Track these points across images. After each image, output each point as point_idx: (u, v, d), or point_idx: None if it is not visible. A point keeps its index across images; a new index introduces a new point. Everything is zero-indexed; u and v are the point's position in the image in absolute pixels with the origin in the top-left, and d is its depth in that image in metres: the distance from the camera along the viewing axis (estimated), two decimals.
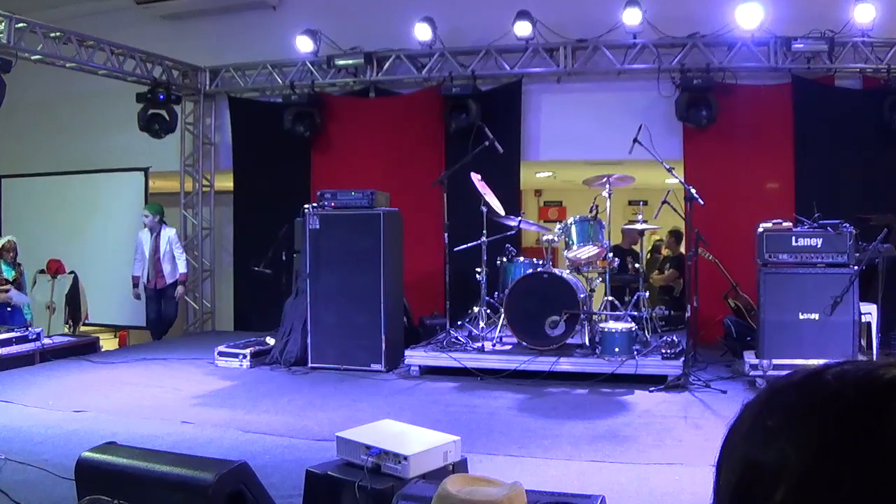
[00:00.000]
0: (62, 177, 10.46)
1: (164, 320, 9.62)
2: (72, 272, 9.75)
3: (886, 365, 0.57)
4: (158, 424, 5.42)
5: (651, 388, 6.24)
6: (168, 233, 9.35)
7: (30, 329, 8.00)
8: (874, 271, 6.45)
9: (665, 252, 10.02)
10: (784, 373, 0.62)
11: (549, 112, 9.18)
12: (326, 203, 7.56)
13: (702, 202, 6.82)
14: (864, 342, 6.46)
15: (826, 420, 0.55)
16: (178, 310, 9.94)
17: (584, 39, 8.73)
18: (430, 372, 7.05)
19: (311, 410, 5.87)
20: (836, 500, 0.52)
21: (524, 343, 6.85)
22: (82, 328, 9.81)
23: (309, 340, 7.50)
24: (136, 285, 9.46)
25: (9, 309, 8.64)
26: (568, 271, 7.10)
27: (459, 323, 7.60)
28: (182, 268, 9.46)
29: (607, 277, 7.27)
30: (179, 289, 9.53)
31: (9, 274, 8.67)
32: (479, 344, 7.12)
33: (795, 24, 7.95)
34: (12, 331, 7.93)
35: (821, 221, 6.30)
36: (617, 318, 6.92)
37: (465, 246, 7.55)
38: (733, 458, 0.59)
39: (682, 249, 9.00)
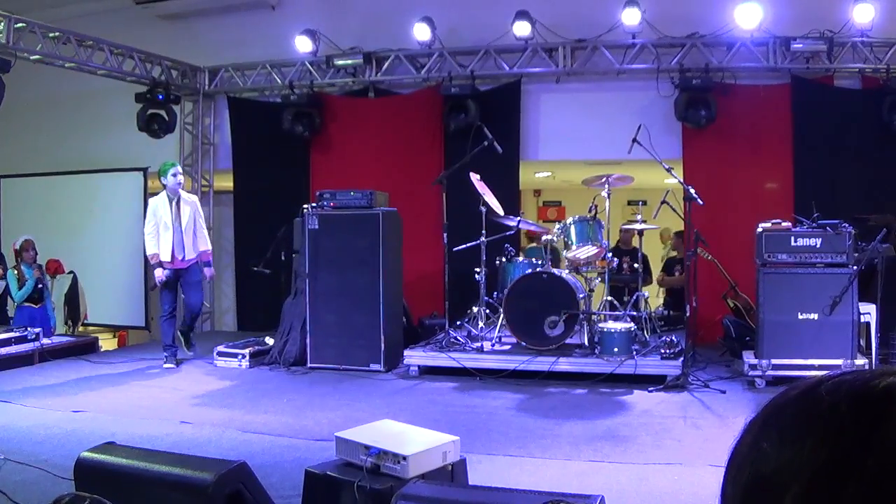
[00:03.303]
0: (61, 177, 10.45)
1: (189, 310, 7.83)
2: (71, 272, 9.76)
3: (880, 374, 0.57)
4: (157, 424, 5.42)
5: (650, 388, 6.24)
6: (192, 200, 7.75)
7: (37, 331, 8.01)
8: (873, 271, 6.45)
9: (672, 253, 9.98)
10: (782, 388, 0.63)
11: (548, 112, 9.18)
12: (325, 203, 7.56)
13: (701, 202, 6.83)
14: (863, 342, 6.46)
15: (822, 436, 0.55)
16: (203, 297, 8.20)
17: (584, 39, 8.73)
18: (429, 372, 7.05)
19: (310, 410, 5.87)
20: None
21: (523, 343, 6.85)
22: (81, 328, 9.81)
23: (308, 340, 7.50)
24: (159, 264, 7.42)
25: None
26: (567, 271, 7.10)
27: (458, 323, 7.60)
28: (207, 243, 7.81)
29: (607, 277, 7.27)
30: (208, 271, 7.93)
31: (29, 274, 8.69)
32: (479, 344, 7.12)
33: (794, 24, 7.95)
34: (12, 331, 7.94)
35: (820, 221, 6.30)
36: (616, 318, 6.92)
37: (464, 246, 7.55)
38: (736, 481, 0.59)
39: None
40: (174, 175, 7.44)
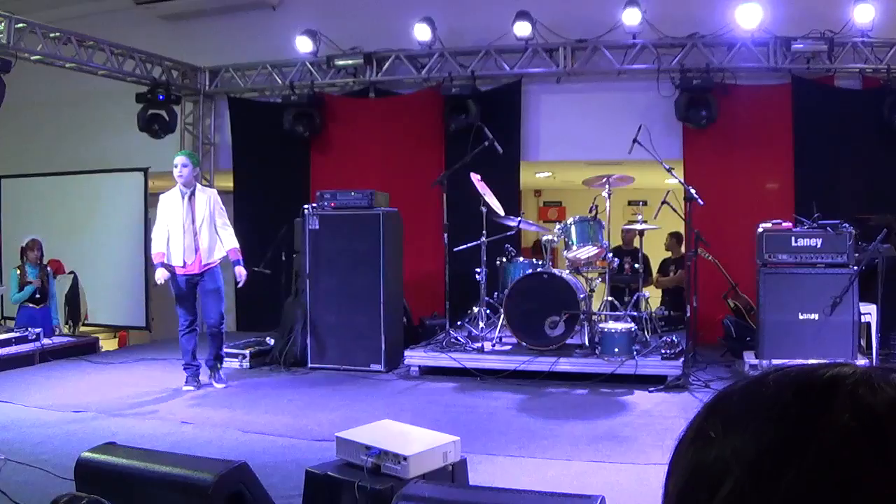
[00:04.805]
0: (62, 177, 10.45)
1: (207, 326, 6.65)
2: (71, 272, 9.76)
3: (827, 365, 0.58)
4: (158, 424, 5.42)
5: (651, 389, 6.24)
6: (208, 194, 6.65)
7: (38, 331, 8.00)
8: (874, 271, 6.45)
9: (667, 254, 9.99)
10: (731, 381, 0.63)
11: (548, 112, 9.18)
12: (326, 203, 7.56)
13: (701, 202, 6.82)
14: (863, 342, 6.46)
15: (765, 422, 0.55)
16: (223, 305, 6.80)
17: (584, 40, 8.73)
18: (429, 372, 7.05)
19: (310, 410, 5.87)
20: (776, 501, 0.52)
21: (524, 343, 6.85)
22: (82, 328, 9.81)
23: (308, 341, 7.50)
24: (164, 264, 6.46)
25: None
26: (568, 272, 7.10)
27: (459, 323, 7.60)
28: (234, 240, 6.69)
29: (607, 277, 7.27)
30: (240, 271, 6.67)
31: (32, 275, 8.69)
32: (479, 344, 7.12)
33: (795, 25, 7.95)
34: (12, 331, 7.94)
35: (820, 221, 6.30)
36: (617, 319, 6.92)
37: (464, 246, 7.55)
38: (679, 466, 0.59)
39: (684, 250, 9.00)
40: (176, 166, 6.51)
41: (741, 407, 0.58)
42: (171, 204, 6.53)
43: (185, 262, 6.44)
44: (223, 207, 6.73)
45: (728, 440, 0.56)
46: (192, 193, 6.52)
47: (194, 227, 6.46)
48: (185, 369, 6.66)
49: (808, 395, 0.55)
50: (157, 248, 6.52)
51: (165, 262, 6.46)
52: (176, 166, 6.50)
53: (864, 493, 0.50)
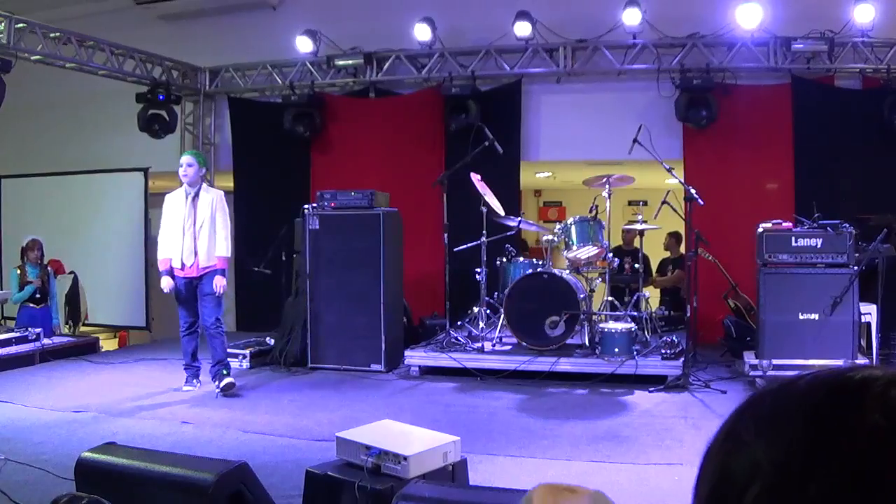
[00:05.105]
0: (62, 177, 10.46)
1: (205, 328, 6.53)
2: (72, 272, 9.76)
3: (858, 368, 0.58)
4: (158, 424, 5.42)
5: (651, 389, 6.24)
6: (212, 195, 6.47)
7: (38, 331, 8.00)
8: (874, 271, 6.45)
9: (665, 254, 10.00)
10: (765, 384, 0.63)
11: (548, 112, 9.18)
12: (326, 203, 7.56)
13: (701, 202, 6.82)
14: (863, 342, 6.46)
15: (796, 423, 0.55)
16: (222, 307, 6.61)
17: (584, 40, 8.73)
18: (429, 372, 7.05)
19: (311, 410, 5.87)
20: (804, 501, 0.52)
21: (524, 343, 6.85)
22: (82, 328, 9.81)
23: (309, 340, 7.50)
24: (168, 272, 6.37)
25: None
26: (568, 272, 7.10)
27: (459, 323, 7.60)
28: (223, 248, 6.43)
29: (607, 278, 7.27)
30: (219, 281, 6.34)
31: (33, 275, 8.69)
32: (479, 344, 7.12)
33: (795, 24, 7.95)
34: (12, 331, 7.94)
35: (820, 222, 6.30)
36: (617, 319, 6.92)
37: (465, 246, 7.55)
38: (710, 467, 0.60)
39: (682, 250, 9.00)
40: (181, 166, 6.38)
41: (772, 409, 0.59)
42: (174, 204, 6.42)
43: (183, 265, 6.32)
44: (226, 210, 6.53)
45: (758, 441, 0.56)
46: (197, 194, 6.37)
47: (194, 230, 6.32)
48: (185, 370, 6.62)
49: (838, 397, 0.56)
50: (163, 253, 6.39)
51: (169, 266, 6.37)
52: (181, 166, 6.40)
53: (895, 493, 0.50)
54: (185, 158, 6.46)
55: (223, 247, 6.42)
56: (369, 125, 9.51)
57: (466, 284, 7.79)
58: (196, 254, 6.32)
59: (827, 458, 0.52)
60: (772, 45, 8.19)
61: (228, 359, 6.60)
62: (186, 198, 6.37)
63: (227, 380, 6.34)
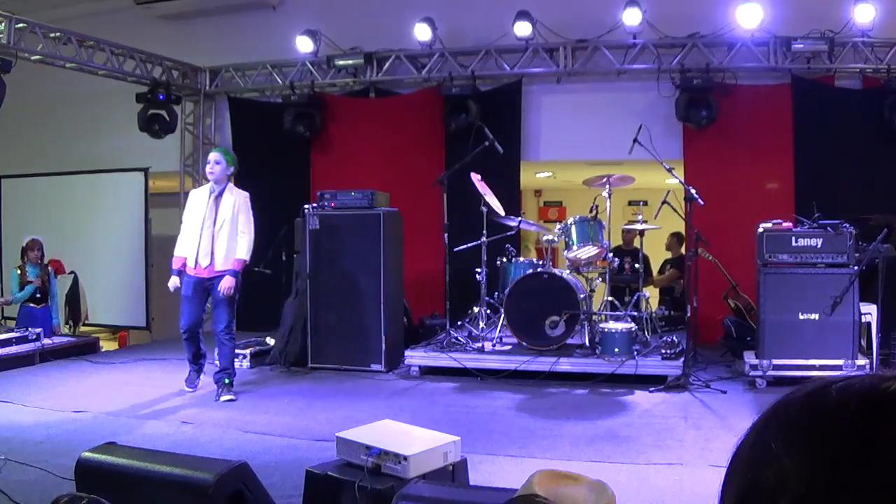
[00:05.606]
0: (62, 177, 10.45)
1: (215, 330, 6.28)
2: (72, 272, 9.75)
3: (891, 378, 0.57)
4: (158, 424, 5.42)
5: (651, 389, 6.24)
6: (236, 196, 6.31)
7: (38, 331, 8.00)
8: (874, 271, 6.44)
9: (666, 254, 9.99)
10: (783, 389, 0.62)
11: (548, 112, 9.18)
12: (326, 203, 7.56)
13: (701, 202, 6.82)
14: (864, 342, 6.45)
15: (826, 434, 0.55)
16: (233, 314, 6.38)
17: (584, 40, 8.73)
18: (430, 372, 7.05)
19: (311, 410, 5.87)
20: None
21: (524, 343, 6.85)
22: (82, 328, 9.81)
23: (309, 340, 7.50)
24: (179, 272, 6.23)
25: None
26: (568, 272, 7.10)
27: (459, 323, 7.60)
28: (244, 251, 6.25)
29: (608, 277, 7.27)
30: (226, 282, 6.11)
31: (33, 275, 8.68)
32: (479, 344, 7.12)
33: (795, 24, 7.95)
34: (12, 331, 7.94)
35: (821, 221, 6.30)
36: (617, 319, 6.92)
37: (465, 246, 7.55)
38: (736, 477, 0.59)
39: (683, 251, 9.01)
40: (209, 162, 6.26)
41: (803, 418, 0.57)
42: (197, 201, 6.26)
43: (197, 265, 6.14)
44: (250, 213, 6.33)
45: (788, 453, 0.55)
46: (221, 193, 6.22)
47: (213, 230, 6.14)
48: (189, 364, 6.53)
49: (871, 408, 0.55)
50: (179, 251, 6.24)
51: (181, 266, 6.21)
52: (209, 162, 6.29)
53: None
54: (214, 155, 6.31)
55: (243, 249, 6.24)
56: (369, 125, 9.51)
57: (466, 284, 7.79)
58: (212, 255, 6.13)
59: (856, 474, 0.52)
60: (772, 44, 8.19)
61: None
62: (210, 196, 6.22)
63: (228, 396, 6.16)
